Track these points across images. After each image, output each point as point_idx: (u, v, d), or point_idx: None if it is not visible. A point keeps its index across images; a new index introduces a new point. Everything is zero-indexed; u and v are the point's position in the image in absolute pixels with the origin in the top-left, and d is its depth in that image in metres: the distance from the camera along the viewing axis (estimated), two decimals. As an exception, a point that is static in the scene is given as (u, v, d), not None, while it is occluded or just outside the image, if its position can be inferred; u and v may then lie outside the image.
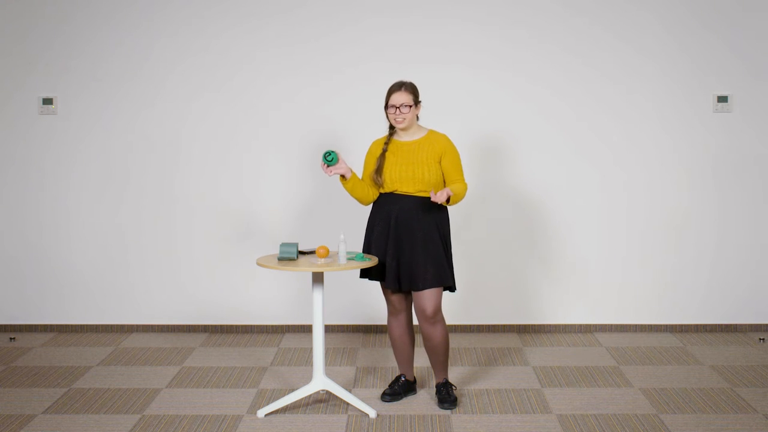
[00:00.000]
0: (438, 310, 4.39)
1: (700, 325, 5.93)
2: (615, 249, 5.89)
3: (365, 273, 4.50)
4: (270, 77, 5.84)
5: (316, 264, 4.23)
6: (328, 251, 4.35)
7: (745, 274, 5.91)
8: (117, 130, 5.90)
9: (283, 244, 4.35)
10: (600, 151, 5.85)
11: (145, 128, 5.89)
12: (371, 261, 4.32)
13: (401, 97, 4.35)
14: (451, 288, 4.47)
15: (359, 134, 5.78)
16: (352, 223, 5.71)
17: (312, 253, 4.54)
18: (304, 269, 4.17)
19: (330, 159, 4.31)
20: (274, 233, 5.87)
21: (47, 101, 5.87)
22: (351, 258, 4.37)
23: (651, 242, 5.89)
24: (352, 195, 4.48)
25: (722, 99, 5.80)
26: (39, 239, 5.96)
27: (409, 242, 4.36)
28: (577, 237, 5.89)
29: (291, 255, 4.32)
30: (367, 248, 4.49)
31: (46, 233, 5.96)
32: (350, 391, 4.68)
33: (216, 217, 5.93)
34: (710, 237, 5.88)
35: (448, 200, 4.29)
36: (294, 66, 5.82)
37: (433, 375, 4.88)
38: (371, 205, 4.56)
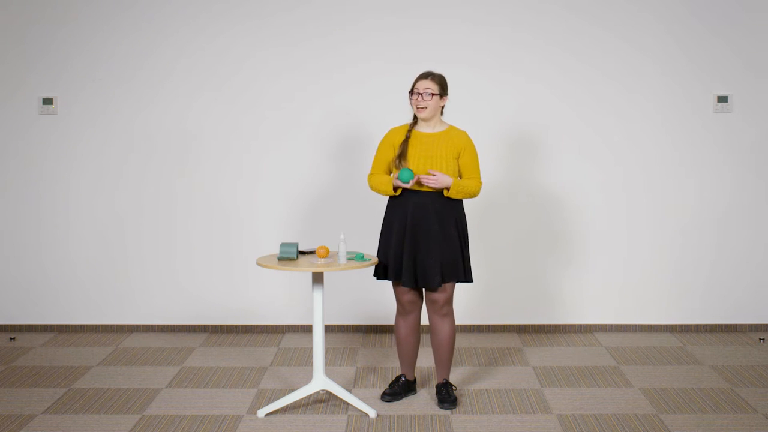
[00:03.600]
0: (447, 302, 4.42)
1: (700, 325, 5.93)
2: (615, 249, 5.89)
3: (382, 273, 4.48)
4: (270, 76, 5.83)
5: (316, 264, 4.23)
6: (328, 251, 4.35)
7: (745, 274, 5.91)
8: (117, 130, 5.90)
9: (283, 244, 4.35)
10: (600, 151, 5.85)
11: (145, 128, 5.89)
12: (371, 261, 4.33)
13: (426, 84, 4.36)
14: (468, 280, 4.47)
15: (360, 132, 5.78)
16: (352, 223, 5.72)
17: (312, 253, 4.54)
18: (304, 269, 4.17)
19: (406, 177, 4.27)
20: (274, 233, 5.87)
21: (47, 101, 5.87)
22: (351, 258, 4.37)
23: (651, 242, 5.89)
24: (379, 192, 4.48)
25: (722, 99, 5.80)
26: (39, 239, 5.96)
27: (425, 239, 4.35)
28: (577, 237, 5.89)
29: (291, 255, 4.32)
30: (385, 246, 4.44)
31: (46, 233, 5.96)
32: (350, 391, 4.68)
33: (216, 217, 5.93)
34: (710, 237, 5.88)
35: (449, 189, 4.32)
36: (294, 65, 5.82)
37: (434, 375, 4.89)
38: (387, 202, 4.52)
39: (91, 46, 5.86)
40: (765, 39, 5.77)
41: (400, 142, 4.42)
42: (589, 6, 5.76)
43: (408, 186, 4.30)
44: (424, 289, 4.49)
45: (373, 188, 4.48)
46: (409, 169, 4.27)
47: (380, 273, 4.49)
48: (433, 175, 4.29)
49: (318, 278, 4.34)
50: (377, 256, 4.48)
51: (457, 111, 5.73)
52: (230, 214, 5.93)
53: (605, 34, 5.77)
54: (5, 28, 5.85)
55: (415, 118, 4.46)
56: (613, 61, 5.78)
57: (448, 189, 4.35)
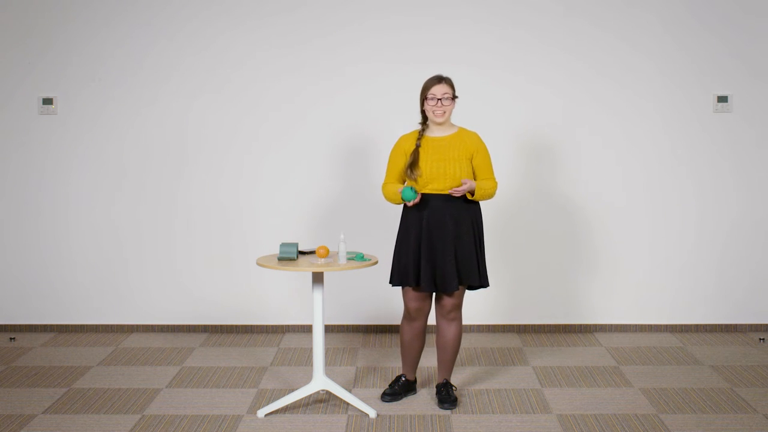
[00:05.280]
0: (455, 307, 4.40)
1: (700, 325, 5.93)
2: (615, 249, 5.89)
3: (397, 279, 4.42)
4: (270, 77, 5.83)
5: (316, 264, 4.23)
6: (328, 251, 4.35)
7: (745, 274, 5.91)
8: (117, 130, 5.90)
9: (283, 244, 4.35)
10: (600, 151, 5.85)
11: (145, 128, 5.89)
12: (371, 261, 4.33)
13: (443, 88, 4.32)
14: (483, 285, 4.44)
15: (360, 133, 5.78)
16: (352, 222, 5.72)
17: (312, 253, 4.54)
18: (304, 269, 4.17)
19: (409, 196, 4.24)
20: (274, 233, 5.86)
21: (47, 101, 5.87)
22: (351, 258, 4.37)
23: (650, 242, 5.88)
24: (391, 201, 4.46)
25: (722, 99, 5.80)
26: (39, 239, 5.96)
27: (441, 243, 4.32)
28: (577, 237, 5.89)
29: (291, 255, 4.32)
30: (400, 252, 4.40)
31: (46, 233, 5.96)
32: (350, 391, 4.68)
33: (216, 217, 5.93)
34: (710, 237, 5.88)
35: (473, 194, 4.29)
36: (294, 66, 5.82)
37: (435, 375, 4.89)
38: (402, 207, 4.49)
39: (91, 46, 5.86)
40: (765, 39, 5.77)
41: (412, 149, 4.38)
42: (589, 6, 5.76)
43: (410, 204, 4.28)
44: (434, 294, 4.48)
45: (387, 198, 4.44)
46: (412, 188, 4.24)
47: (395, 279, 4.44)
48: (464, 184, 4.24)
49: (318, 278, 4.34)
50: (393, 262, 4.44)
51: (457, 110, 5.75)
52: (230, 214, 5.93)
53: (605, 35, 5.77)
54: (5, 28, 5.85)
55: (424, 123, 4.42)
56: (613, 61, 5.78)
57: (472, 193, 4.32)
